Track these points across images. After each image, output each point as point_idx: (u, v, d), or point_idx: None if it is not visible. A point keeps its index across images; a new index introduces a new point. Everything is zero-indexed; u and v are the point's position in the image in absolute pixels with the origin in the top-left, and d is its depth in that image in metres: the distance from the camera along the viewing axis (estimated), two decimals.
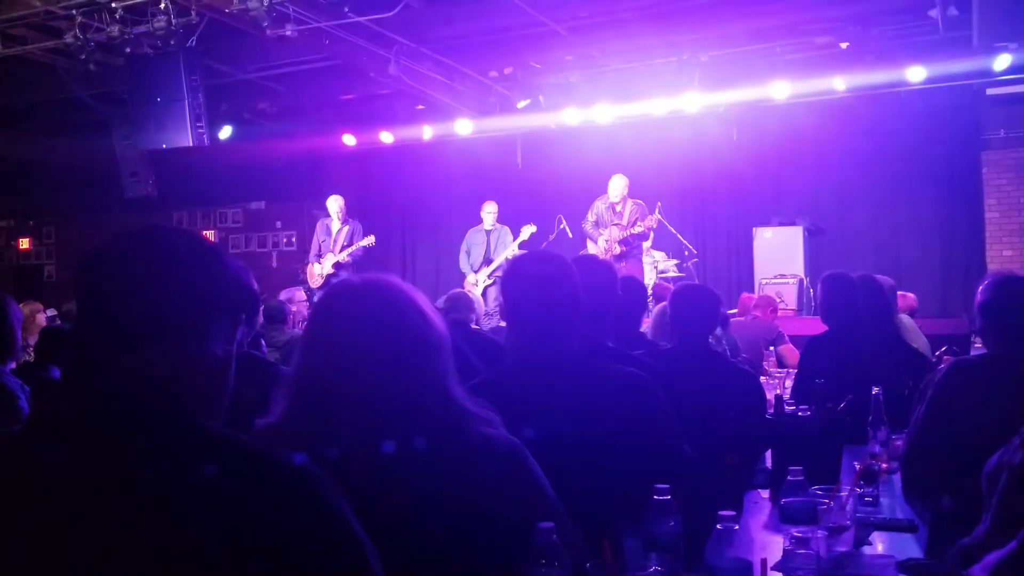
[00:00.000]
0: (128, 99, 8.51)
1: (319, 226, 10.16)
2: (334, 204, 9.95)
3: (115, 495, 1.17)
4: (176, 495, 1.18)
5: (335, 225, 9.94)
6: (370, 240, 9.79)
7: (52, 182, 12.75)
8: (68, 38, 7.20)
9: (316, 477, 1.28)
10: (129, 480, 1.18)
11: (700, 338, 3.55)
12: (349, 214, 10.03)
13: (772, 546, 2.15)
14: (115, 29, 7.03)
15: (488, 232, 9.98)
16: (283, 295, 9.87)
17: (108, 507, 1.17)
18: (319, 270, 9.84)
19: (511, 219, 10.16)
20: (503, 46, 9.04)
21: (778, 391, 4.20)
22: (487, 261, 9.87)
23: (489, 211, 9.98)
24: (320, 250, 9.99)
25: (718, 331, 4.43)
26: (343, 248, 9.76)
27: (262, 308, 7.21)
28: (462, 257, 10.15)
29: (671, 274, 9.69)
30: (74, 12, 7.07)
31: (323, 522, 1.25)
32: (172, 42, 7.31)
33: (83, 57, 7.32)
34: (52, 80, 8.78)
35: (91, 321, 1.29)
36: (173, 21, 6.96)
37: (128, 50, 7.44)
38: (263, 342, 5.04)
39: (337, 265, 9.70)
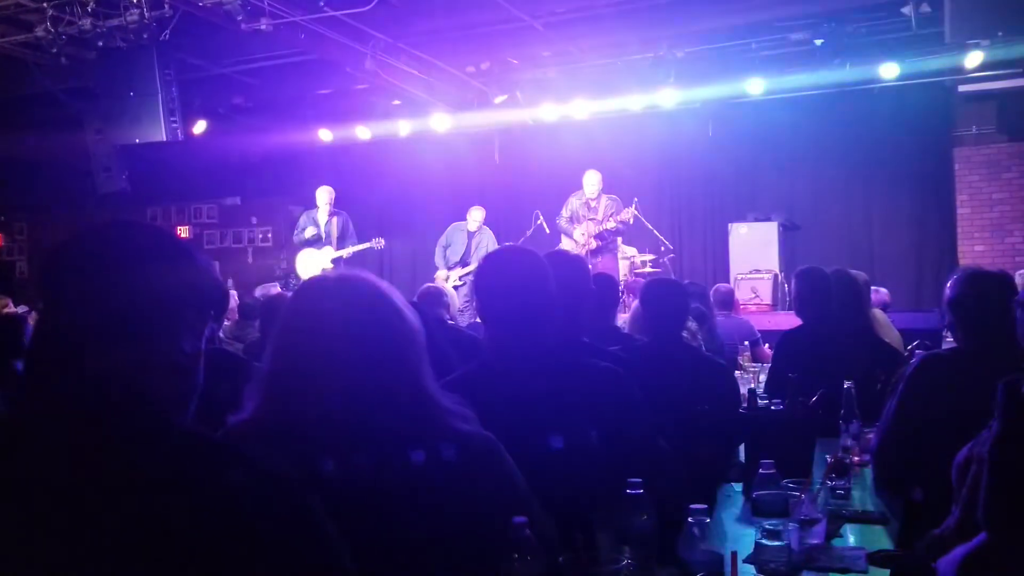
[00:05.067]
0: (100, 93, 8.41)
1: (303, 218, 10.02)
2: (324, 195, 9.83)
3: (84, 494, 1.16)
4: (146, 492, 1.17)
5: (322, 217, 9.83)
6: (379, 242, 9.75)
7: (24, 177, 12.58)
8: (39, 31, 7.11)
9: (287, 473, 1.28)
10: (99, 478, 1.17)
11: (673, 332, 3.56)
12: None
13: (744, 539, 2.16)
14: (87, 22, 6.95)
15: (471, 233, 9.97)
16: (258, 291, 9.79)
17: (77, 506, 1.16)
18: (316, 261, 9.72)
19: (489, 214, 10.16)
20: (480, 41, 9.02)
21: (752, 385, 4.22)
22: (464, 262, 9.86)
23: (475, 215, 9.98)
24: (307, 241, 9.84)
25: (693, 325, 4.43)
26: (338, 240, 9.68)
27: (237, 305, 7.17)
28: (438, 251, 10.12)
29: (646, 269, 9.72)
30: (45, 5, 6.99)
31: (294, 518, 1.25)
32: (145, 36, 7.22)
33: (54, 51, 7.24)
34: (23, 74, 8.65)
35: (57, 318, 1.27)
36: (146, 14, 6.88)
37: (100, 44, 7.34)
38: (221, 336, 4.98)
39: (336, 261, 9.62)
